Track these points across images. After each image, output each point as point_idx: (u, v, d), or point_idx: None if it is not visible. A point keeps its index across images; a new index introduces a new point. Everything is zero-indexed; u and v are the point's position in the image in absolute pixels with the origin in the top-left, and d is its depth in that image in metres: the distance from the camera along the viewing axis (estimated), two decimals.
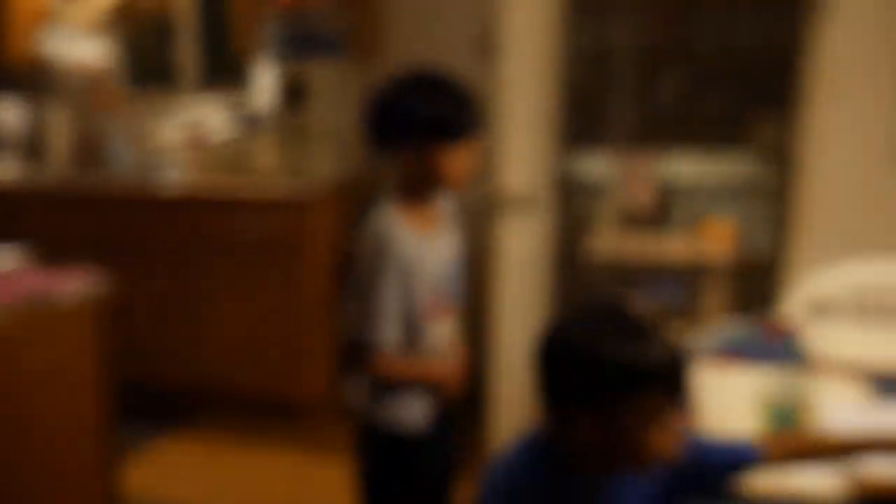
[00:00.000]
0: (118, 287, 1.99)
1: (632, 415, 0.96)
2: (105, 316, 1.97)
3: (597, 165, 4.15)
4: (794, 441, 1.18)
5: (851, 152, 3.02)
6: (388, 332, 1.51)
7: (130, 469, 2.72)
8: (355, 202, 3.16)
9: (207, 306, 3.00)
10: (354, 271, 1.56)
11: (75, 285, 1.91)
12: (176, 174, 3.17)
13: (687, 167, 4.05)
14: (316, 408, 3.02)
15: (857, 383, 1.54)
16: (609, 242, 4.20)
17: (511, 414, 2.55)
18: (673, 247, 4.11)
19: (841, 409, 1.39)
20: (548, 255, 3.05)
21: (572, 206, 4.55)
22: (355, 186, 3.14)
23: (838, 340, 1.78)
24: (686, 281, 4.25)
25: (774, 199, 3.76)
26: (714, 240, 4.10)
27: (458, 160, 1.51)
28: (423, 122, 1.48)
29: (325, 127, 2.91)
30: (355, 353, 1.58)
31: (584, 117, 4.12)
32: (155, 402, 3.21)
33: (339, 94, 3.03)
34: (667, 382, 0.97)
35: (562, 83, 3.24)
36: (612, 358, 0.96)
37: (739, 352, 1.71)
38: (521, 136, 2.57)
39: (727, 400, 1.46)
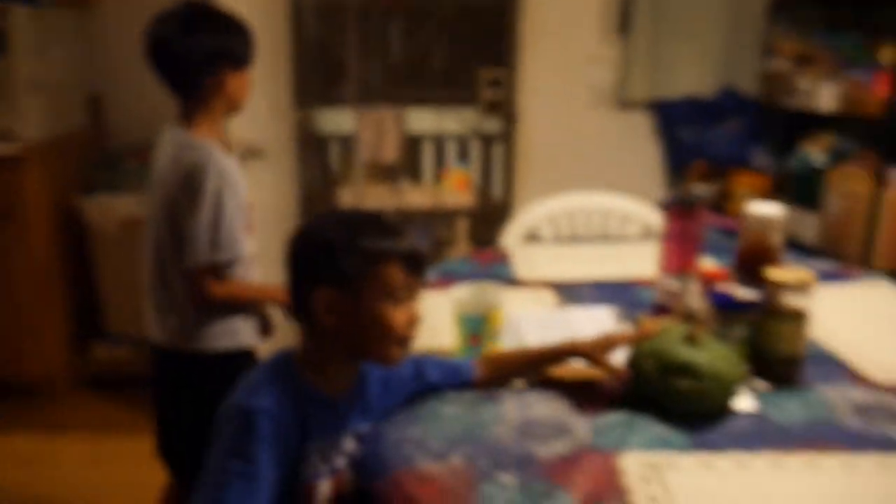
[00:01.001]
0: None
1: (374, 285, 1.03)
2: None
3: (345, 121, 4.16)
4: (498, 359, 1.29)
5: (558, 102, 3.32)
6: (239, 251, 1.60)
7: None
8: (76, 159, 2.91)
9: None
10: (169, 204, 1.57)
11: None
12: None
13: (427, 121, 4.19)
14: (53, 384, 2.78)
15: (549, 294, 1.71)
16: (359, 194, 4.27)
17: None
18: (419, 196, 4.26)
19: (530, 313, 1.54)
20: (295, 207, 3.03)
21: (323, 160, 4.53)
22: (74, 142, 2.89)
23: (537, 262, 1.97)
24: (433, 226, 4.43)
25: (504, 148, 4.01)
26: (455, 187, 4.31)
27: (244, 86, 1.64)
28: (221, 52, 1.56)
29: (32, 80, 2.62)
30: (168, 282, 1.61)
31: (328, 73, 4.11)
32: None
33: (48, 45, 2.74)
34: (407, 263, 1.04)
35: (294, 37, 3.20)
36: (362, 240, 1.03)
37: (453, 277, 1.82)
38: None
39: (437, 319, 1.56)
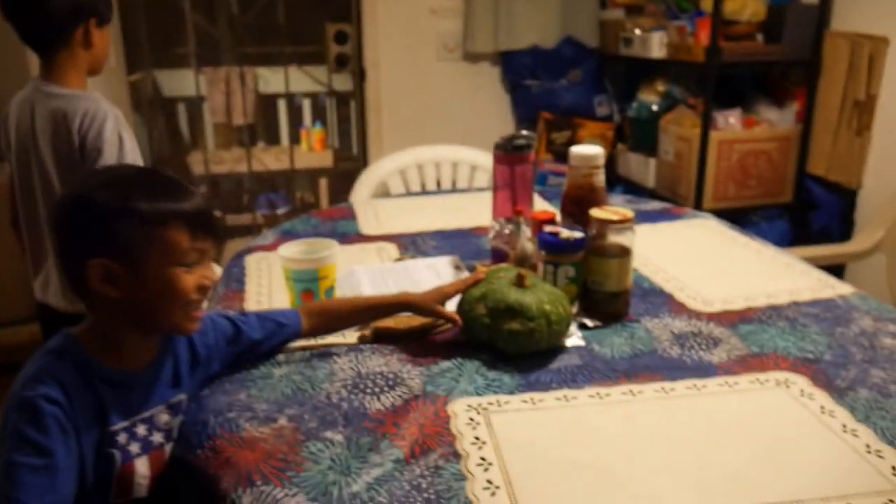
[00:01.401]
0: None
1: (156, 251, 0.93)
2: None
3: (191, 83, 3.94)
4: (326, 308, 1.23)
5: (406, 56, 3.26)
6: None
7: None
8: None
9: None
10: (64, 158, 1.57)
11: None
12: None
13: (278, 81, 4.04)
14: None
15: (392, 247, 1.68)
16: (211, 159, 4.07)
17: None
18: (276, 158, 4.12)
19: (367, 267, 1.51)
20: None
21: (171, 125, 4.28)
22: None
23: (383, 216, 1.93)
24: (293, 187, 4.30)
25: (358, 105, 3.94)
26: (312, 147, 4.19)
27: (107, 45, 1.65)
28: (88, 5, 1.57)
29: None
30: None
31: (165, 33, 3.85)
32: None
33: None
34: (192, 224, 0.95)
35: None
36: (137, 202, 0.92)
37: (293, 237, 1.75)
38: None
39: (272, 280, 1.49)
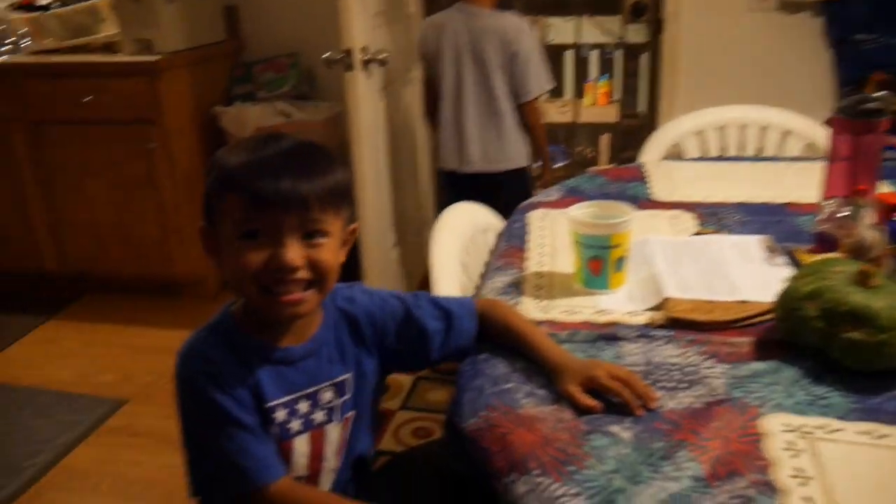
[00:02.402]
0: None
1: (223, 218, 0.87)
2: None
3: None
4: (500, 318, 1.05)
5: (712, 5, 2.91)
6: None
7: (11, 356, 2.57)
8: (214, 69, 2.89)
9: (67, 187, 2.74)
10: (500, 57, 2.24)
11: None
12: (12, 46, 2.82)
13: (567, 31, 3.88)
14: (202, 285, 2.87)
15: (689, 218, 1.47)
16: None
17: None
18: (559, 111, 4.00)
19: (664, 239, 1.33)
20: (413, 124, 2.89)
21: None
22: (212, 53, 2.86)
23: (679, 181, 1.72)
24: (574, 142, 4.17)
25: (650, 58, 3.66)
26: (596, 100, 4.00)
27: None
28: None
29: None
30: None
31: None
32: (32, 290, 3.01)
33: None
34: (250, 196, 0.84)
35: None
36: (222, 159, 0.88)
37: (578, 196, 1.62)
38: None
39: (556, 241, 1.38)
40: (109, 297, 2.95)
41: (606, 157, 4.06)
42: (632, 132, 3.74)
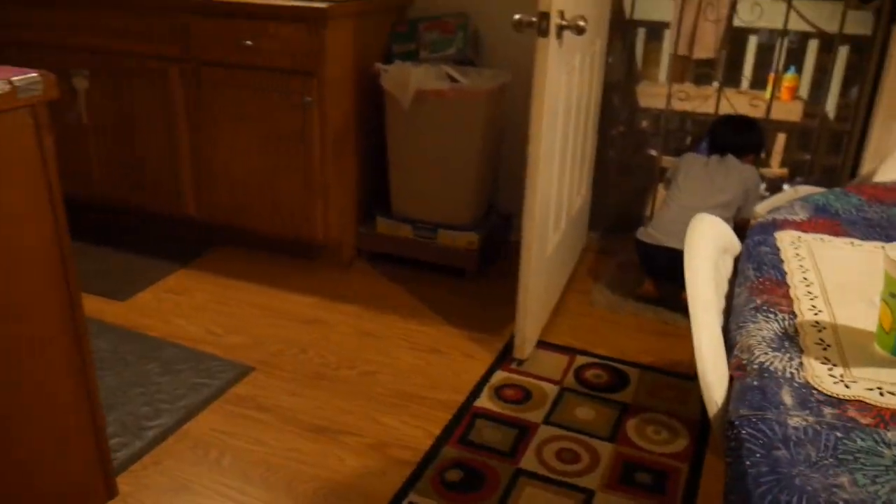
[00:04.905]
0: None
1: None
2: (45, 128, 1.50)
3: (660, 4, 3.53)
4: None
5: None
6: None
7: (143, 302, 2.48)
8: (378, 24, 2.66)
9: (216, 133, 2.60)
10: None
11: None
12: None
13: (771, 13, 3.40)
14: (338, 251, 2.69)
15: None
16: (660, 93, 3.66)
17: None
18: (737, 101, 3.55)
19: None
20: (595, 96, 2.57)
21: (628, 50, 3.96)
22: (378, 6, 2.63)
23: None
24: None
25: (860, 52, 3.16)
26: (778, 95, 3.53)
27: None
28: None
29: None
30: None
31: None
32: (170, 236, 2.92)
33: None
34: None
35: None
36: None
37: (827, 216, 1.28)
38: None
39: (822, 274, 1.05)
40: (243, 251, 2.82)
41: (779, 159, 3.60)
42: (808, 134, 3.28)
